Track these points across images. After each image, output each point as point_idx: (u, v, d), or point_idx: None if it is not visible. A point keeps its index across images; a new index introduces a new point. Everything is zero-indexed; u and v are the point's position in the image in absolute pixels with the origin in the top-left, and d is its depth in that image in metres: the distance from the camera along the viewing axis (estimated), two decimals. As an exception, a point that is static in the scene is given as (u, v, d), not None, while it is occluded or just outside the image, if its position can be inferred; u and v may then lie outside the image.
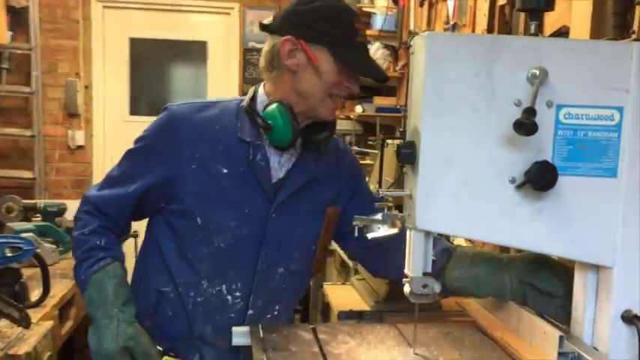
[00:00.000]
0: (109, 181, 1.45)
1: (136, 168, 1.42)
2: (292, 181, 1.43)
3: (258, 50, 4.92)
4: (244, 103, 1.41)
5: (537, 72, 1.22)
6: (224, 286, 1.42)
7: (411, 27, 3.97)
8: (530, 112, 1.20)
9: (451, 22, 3.17)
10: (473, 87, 1.24)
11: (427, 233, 1.30)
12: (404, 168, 1.35)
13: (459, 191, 1.25)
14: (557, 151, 1.26)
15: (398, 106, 4.39)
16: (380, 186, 2.24)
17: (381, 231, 1.40)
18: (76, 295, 2.71)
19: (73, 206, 4.38)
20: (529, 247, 1.31)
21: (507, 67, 1.24)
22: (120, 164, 1.47)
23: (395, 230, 1.41)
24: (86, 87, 4.79)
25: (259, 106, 1.41)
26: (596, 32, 1.82)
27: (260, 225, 1.41)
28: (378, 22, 4.29)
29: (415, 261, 1.30)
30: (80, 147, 4.80)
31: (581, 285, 1.26)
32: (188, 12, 4.91)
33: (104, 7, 4.78)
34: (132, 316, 1.36)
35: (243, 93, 4.47)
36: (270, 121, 1.34)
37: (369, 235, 1.37)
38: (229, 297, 1.42)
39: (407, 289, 1.31)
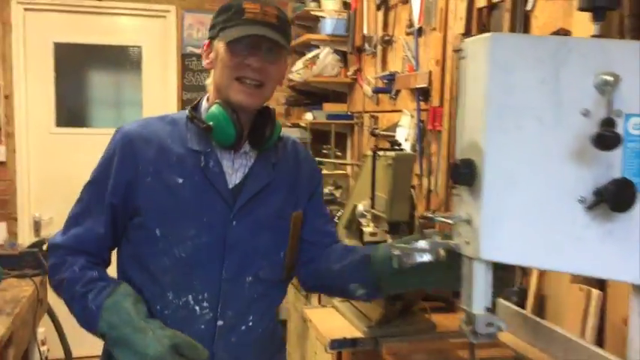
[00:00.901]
0: (74, 220, 1.44)
1: (99, 195, 1.42)
2: (250, 186, 1.43)
3: (198, 56, 4.64)
4: (188, 111, 1.45)
5: (609, 78, 1.09)
6: (190, 297, 1.39)
7: (365, 31, 3.84)
8: (608, 123, 1.07)
9: (416, 26, 3.06)
10: (538, 96, 1.10)
11: (489, 263, 1.14)
12: (454, 189, 1.19)
13: (525, 215, 1.11)
14: (627, 166, 1.14)
15: (349, 113, 4.26)
16: (373, 204, 2.07)
17: (424, 258, 1.24)
18: (14, 334, 2.40)
19: None
20: (600, 274, 1.19)
21: (575, 72, 1.11)
22: (80, 199, 1.46)
23: (430, 257, 1.26)
24: (6, 97, 4.35)
25: (203, 113, 1.45)
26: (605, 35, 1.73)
27: (220, 233, 1.39)
28: (327, 27, 4.14)
29: (477, 296, 1.14)
30: (1, 163, 4.35)
31: None
32: (120, 15, 4.57)
33: (26, 9, 4.36)
34: (160, 323, 1.33)
35: (182, 101, 4.18)
36: (210, 122, 1.37)
37: (408, 264, 1.24)
38: (197, 307, 1.40)
39: (466, 327, 1.16)
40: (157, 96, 4.68)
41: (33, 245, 3.14)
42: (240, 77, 1.37)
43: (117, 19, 4.59)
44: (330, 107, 4.28)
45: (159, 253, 1.39)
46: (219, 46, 1.38)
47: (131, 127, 1.44)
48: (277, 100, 4.83)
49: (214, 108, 1.38)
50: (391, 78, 3.41)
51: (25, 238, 4.37)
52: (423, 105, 3.07)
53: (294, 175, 1.54)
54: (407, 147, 3.23)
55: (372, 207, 2.08)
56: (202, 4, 4.64)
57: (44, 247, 2.84)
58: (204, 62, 1.44)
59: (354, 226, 2.47)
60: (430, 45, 2.97)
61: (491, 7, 2.41)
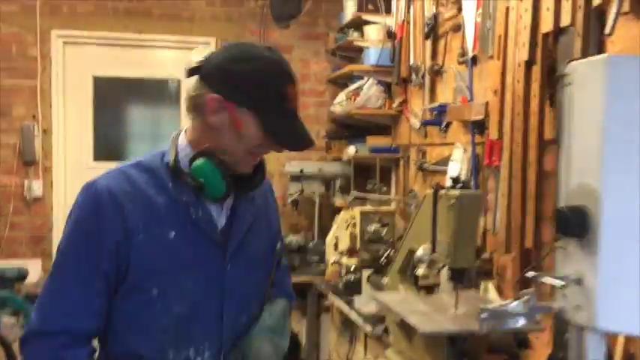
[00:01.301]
0: (54, 297, 1.31)
1: (86, 262, 1.30)
2: (237, 228, 1.41)
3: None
4: (170, 163, 1.34)
5: None
6: (191, 350, 1.36)
7: (411, 61, 3.68)
8: None
9: (470, 55, 2.88)
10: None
11: (604, 334, 0.94)
12: (558, 241, 0.99)
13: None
14: None
15: (393, 146, 4.07)
16: (434, 249, 1.88)
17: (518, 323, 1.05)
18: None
19: (34, 268, 3.87)
20: None
21: None
22: (58, 272, 1.33)
23: (524, 322, 1.06)
24: (44, 131, 4.30)
25: (183, 160, 1.34)
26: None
27: (218, 281, 1.37)
28: (371, 57, 3.99)
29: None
30: (38, 199, 4.28)
31: None
32: (159, 48, 4.51)
33: (65, 43, 4.34)
34: None
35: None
36: (201, 179, 1.30)
37: (501, 328, 1.05)
38: (199, 359, 1.36)
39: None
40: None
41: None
42: (256, 152, 1.35)
43: (156, 52, 4.53)
44: (373, 140, 4.11)
45: (157, 314, 1.33)
46: (249, 120, 1.28)
47: (108, 182, 1.33)
48: (318, 133, 4.68)
49: (203, 164, 1.30)
50: (441, 110, 3.23)
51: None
52: (478, 138, 2.87)
53: (267, 208, 1.54)
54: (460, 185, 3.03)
55: (433, 252, 1.88)
56: (243, 34, 4.56)
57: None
58: (211, 118, 1.29)
59: (408, 271, 2.27)
60: (486, 74, 2.79)
61: (559, 32, 2.22)
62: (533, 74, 2.36)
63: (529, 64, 2.37)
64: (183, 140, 1.38)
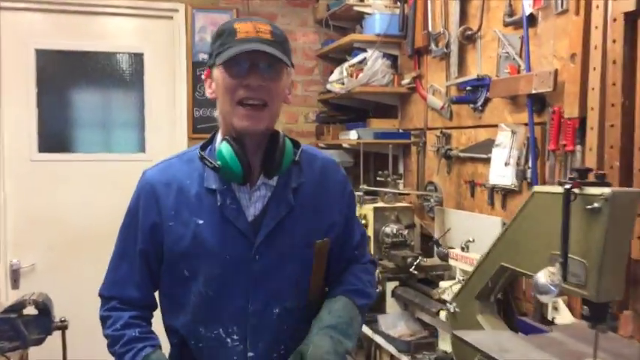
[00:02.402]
0: (113, 264, 1.51)
1: (130, 241, 1.47)
2: (269, 218, 1.40)
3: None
4: (199, 151, 1.43)
5: None
6: (221, 330, 1.43)
7: (430, 28, 3.06)
8: None
9: (526, 12, 2.28)
10: None
11: None
12: None
13: None
14: None
15: (401, 130, 3.47)
16: (565, 273, 1.26)
17: None
18: None
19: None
20: None
21: None
22: (116, 243, 1.53)
23: None
24: (-24, 116, 3.50)
25: (216, 149, 1.40)
26: None
27: (244, 269, 1.39)
28: (376, 25, 3.35)
29: None
30: (-30, 198, 3.50)
31: None
32: (116, 15, 3.76)
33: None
34: None
35: (194, 119, 3.38)
36: (218, 162, 1.35)
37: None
38: (228, 340, 1.43)
39: None
40: (162, 114, 3.85)
41: (10, 309, 2.31)
42: (242, 100, 1.32)
43: (112, 20, 3.77)
44: (377, 124, 3.49)
45: (189, 292, 1.42)
46: (218, 72, 1.34)
47: (152, 172, 1.48)
48: (306, 117, 4.03)
49: (222, 146, 1.36)
50: (477, 84, 2.64)
51: (1, 290, 3.52)
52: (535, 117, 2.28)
53: (321, 197, 1.47)
54: (509, 174, 2.44)
55: (565, 278, 1.27)
56: (217, 2, 3.85)
57: (24, 312, 2.11)
58: (208, 93, 1.42)
59: (493, 296, 1.66)
60: (552, 35, 2.20)
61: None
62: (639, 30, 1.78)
63: (632, 16, 1.79)
64: (219, 133, 1.45)
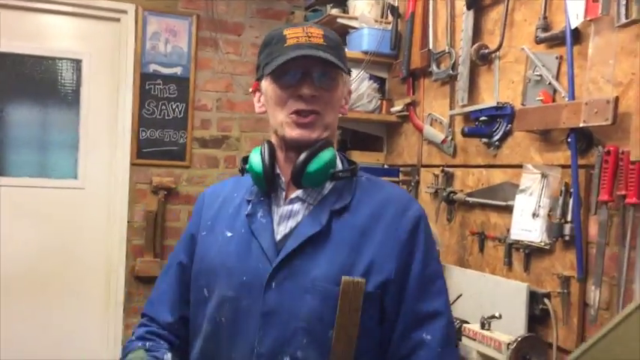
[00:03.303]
0: (157, 282, 1.39)
1: (175, 254, 1.38)
2: (294, 238, 1.18)
3: (164, 77, 3.25)
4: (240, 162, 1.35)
5: None
6: None
7: (430, 46, 2.56)
8: None
9: (578, 20, 1.79)
10: None
11: None
12: None
13: None
14: None
15: (387, 166, 2.94)
16: None
17: None
18: None
19: None
20: None
21: None
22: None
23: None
24: None
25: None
26: None
27: (258, 297, 1.17)
28: (363, 41, 2.84)
29: None
30: None
31: None
32: (51, 13, 3.14)
33: None
34: None
35: (139, 140, 2.79)
36: (246, 167, 1.27)
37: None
38: None
39: None
40: (101, 134, 3.24)
41: None
42: (294, 112, 1.19)
43: (46, 19, 3.15)
44: (358, 158, 2.94)
45: (204, 317, 1.25)
46: (267, 83, 1.22)
47: (212, 186, 1.42)
48: (273, 146, 3.47)
49: (254, 149, 1.26)
50: (497, 114, 2.13)
51: None
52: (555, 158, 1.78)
53: (369, 227, 1.19)
54: (537, 228, 1.92)
55: None
56: (175, 5, 3.28)
57: None
58: (257, 107, 1.29)
59: None
60: (609, 55, 1.71)
61: None
62: None
63: None
64: None
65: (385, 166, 2.96)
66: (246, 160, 1.28)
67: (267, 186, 1.22)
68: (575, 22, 1.80)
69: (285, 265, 1.17)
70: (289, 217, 1.22)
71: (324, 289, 1.16)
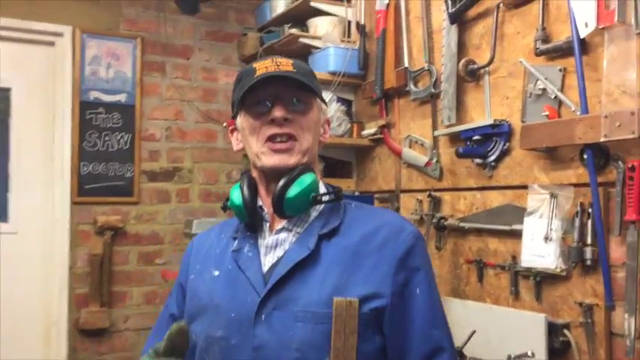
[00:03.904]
0: (148, 338, 1.33)
1: (167, 306, 1.34)
2: (282, 265, 1.16)
3: (107, 106, 2.95)
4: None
5: None
6: None
7: (407, 64, 2.42)
8: None
9: (588, 29, 1.68)
10: None
11: None
12: None
13: None
14: None
15: (357, 193, 2.77)
16: None
17: None
18: None
19: None
20: None
21: None
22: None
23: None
24: None
25: None
26: None
27: (249, 331, 1.13)
28: (330, 61, 2.67)
29: None
30: None
31: None
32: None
33: None
34: None
35: (79, 176, 2.47)
36: (227, 202, 1.26)
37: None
38: None
39: None
40: (35, 170, 2.87)
41: None
42: (269, 137, 1.18)
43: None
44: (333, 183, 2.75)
45: None
46: (241, 119, 1.23)
47: (199, 233, 1.41)
48: (229, 176, 3.22)
49: (234, 187, 1.26)
50: (493, 132, 2.00)
51: None
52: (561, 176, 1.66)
53: (361, 248, 1.15)
54: (551, 253, 1.79)
55: None
56: (116, 27, 2.99)
57: None
58: (234, 145, 1.29)
59: None
60: (624, 65, 1.60)
61: None
62: None
63: None
64: None
65: (356, 193, 2.77)
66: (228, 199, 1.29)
67: (249, 217, 1.20)
68: (585, 31, 1.69)
69: (274, 294, 1.14)
70: (276, 246, 1.20)
71: (315, 314, 1.12)
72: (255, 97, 1.18)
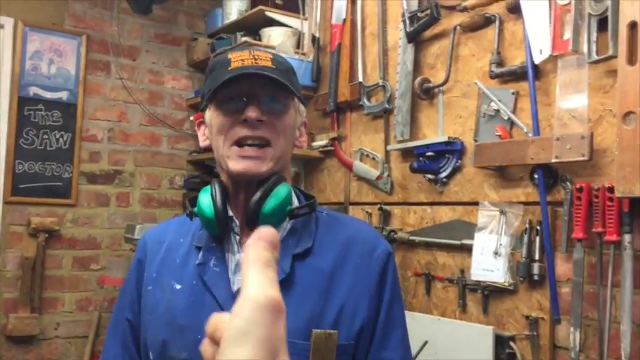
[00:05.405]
0: (105, 345, 1.22)
1: (121, 309, 1.21)
2: None
3: (47, 102, 2.83)
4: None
5: None
6: None
7: (361, 79, 2.46)
8: None
9: (543, 56, 1.77)
10: None
11: None
12: None
13: None
14: None
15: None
16: None
17: None
18: None
19: None
20: None
21: None
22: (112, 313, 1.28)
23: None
24: None
25: None
26: None
27: None
28: (283, 71, 2.67)
29: None
30: None
31: None
32: None
33: None
34: None
35: (14, 174, 2.39)
36: (195, 209, 1.12)
37: None
38: None
39: None
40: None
41: None
42: (239, 140, 1.07)
43: None
44: (274, 195, 2.74)
45: None
46: (210, 112, 1.11)
47: (151, 230, 1.26)
48: (172, 182, 3.15)
49: (204, 188, 1.13)
50: (446, 149, 2.06)
51: None
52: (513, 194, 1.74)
53: (336, 271, 1.08)
54: (500, 268, 1.86)
55: None
56: (61, 22, 2.88)
57: None
58: (201, 141, 1.18)
59: None
60: (576, 89, 1.70)
61: None
62: None
63: None
64: None
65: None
66: (193, 201, 1.15)
67: (220, 231, 1.09)
68: (539, 57, 1.78)
69: None
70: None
71: (292, 345, 1.01)
72: (227, 92, 1.08)
